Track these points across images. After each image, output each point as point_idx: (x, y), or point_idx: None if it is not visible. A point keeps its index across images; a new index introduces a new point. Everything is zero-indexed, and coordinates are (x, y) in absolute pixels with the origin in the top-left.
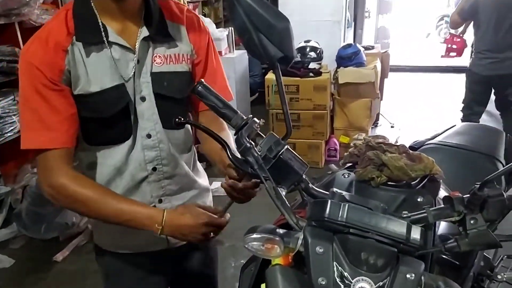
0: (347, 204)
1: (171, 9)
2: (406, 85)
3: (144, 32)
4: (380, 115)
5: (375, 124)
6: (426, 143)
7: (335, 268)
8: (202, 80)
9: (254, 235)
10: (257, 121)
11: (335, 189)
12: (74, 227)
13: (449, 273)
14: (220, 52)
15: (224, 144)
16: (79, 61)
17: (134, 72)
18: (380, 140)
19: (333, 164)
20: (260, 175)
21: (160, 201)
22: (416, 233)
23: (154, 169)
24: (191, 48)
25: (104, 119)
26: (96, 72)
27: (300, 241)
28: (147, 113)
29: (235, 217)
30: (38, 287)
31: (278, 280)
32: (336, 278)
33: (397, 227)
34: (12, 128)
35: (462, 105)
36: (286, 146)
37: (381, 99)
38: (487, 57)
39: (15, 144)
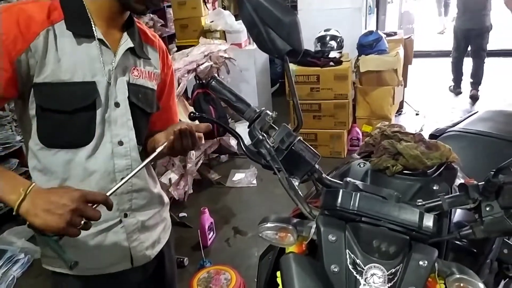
0: (358, 193)
1: (145, 33)
2: (432, 71)
3: (128, 42)
4: (404, 102)
5: (399, 112)
6: (447, 130)
7: (347, 256)
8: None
9: (268, 224)
10: (270, 113)
11: (348, 179)
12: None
13: (464, 260)
14: (240, 44)
15: (238, 137)
16: (51, 47)
17: (110, 76)
18: (396, 129)
19: (355, 154)
20: (273, 166)
21: (126, 215)
22: (428, 221)
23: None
24: (159, 72)
25: (66, 113)
26: (70, 62)
27: (313, 230)
28: (121, 119)
29: (257, 207)
30: None
31: (292, 267)
32: (349, 265)
33: (409, 215)
34: None
35: (452, 51)
36: (298, 137)
37: (405, 86)
38: (463, 15)
39: None
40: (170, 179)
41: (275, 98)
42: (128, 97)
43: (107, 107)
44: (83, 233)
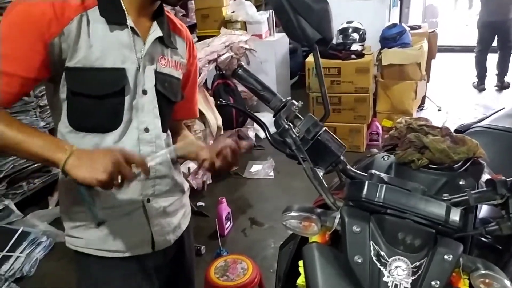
0: (384, 185)
1: (174, 22)
2: (456, 66)
3: (157, 31)
4: (426, 98)
5: (421, 108)
6: (473, 126)
7: (371, 247)
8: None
9: (292, 213)
10: (296, 103)
11: (373, 171)
12: None
13: (489, 256)
14: (260, 36)
15: (263, 125)
16: (84, 33)
17: (139, 64)
18: (422, 122)
19: (374, 149)
20: (298, 155)
21: (148, 200)
22: (455, 215)
23: None
24: (186, 62)
25: (96, 98)
26: (101, 48)
27: (337, 220)
28: (148, 106)
29: (274, 199)
30: None
31: (315, 257)
32: (373, 257)
33: (436, 208)
34: None
35: (476, 45)
36: (324, 128)
37: (428, 81)
38: (489, 7)
39: None
40: (189, 168)
41: (294, 90)
42: (155, 85)
43: (135, 94)
44: (108, 216)
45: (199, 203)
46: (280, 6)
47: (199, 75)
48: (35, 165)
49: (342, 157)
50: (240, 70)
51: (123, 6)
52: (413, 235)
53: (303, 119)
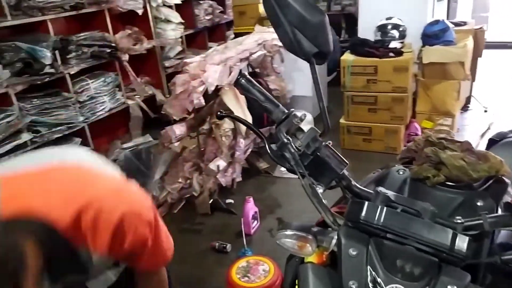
0: (385, 208)
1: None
2: (506, 64)
3: None
4: (471, 98)
5: (465, 109)
6: (509, 135)
7: (368, 273)
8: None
9: (287, 232)
10: (299, 115)
11: (380, 188)
12: (154, 200)
13: (504, 283)
14: None
15: (263, 138)
16: None
17: None
18: (442, 135)
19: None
20: (297, 171)
21: None
22: (462, 243)
23: None
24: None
25: None
26: None
27: (334, 241)
28: None
29: (303, 199)
30: None
31: (309, 278)
32: (369, 283)
33: (440, 235)
34: (103, 107)
35: None
36: (323, 143)
37: (473, 81)
38: None
39: (105, 121)
40: (218, 166)
41: (331, 88)
42: None
43: None
44: None
45: (228, 200)
46: (275, 18)
47: (230, 74)
48: None
49: (346, 173)
50: (242, 80)
51: None
52: (413, 262)
53: (305, 132)
